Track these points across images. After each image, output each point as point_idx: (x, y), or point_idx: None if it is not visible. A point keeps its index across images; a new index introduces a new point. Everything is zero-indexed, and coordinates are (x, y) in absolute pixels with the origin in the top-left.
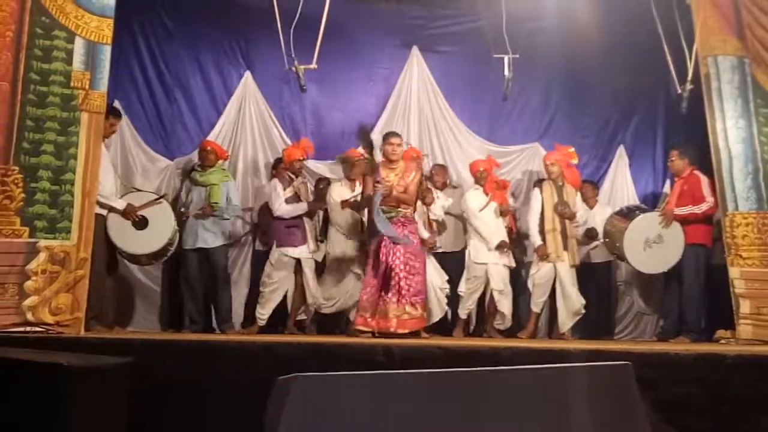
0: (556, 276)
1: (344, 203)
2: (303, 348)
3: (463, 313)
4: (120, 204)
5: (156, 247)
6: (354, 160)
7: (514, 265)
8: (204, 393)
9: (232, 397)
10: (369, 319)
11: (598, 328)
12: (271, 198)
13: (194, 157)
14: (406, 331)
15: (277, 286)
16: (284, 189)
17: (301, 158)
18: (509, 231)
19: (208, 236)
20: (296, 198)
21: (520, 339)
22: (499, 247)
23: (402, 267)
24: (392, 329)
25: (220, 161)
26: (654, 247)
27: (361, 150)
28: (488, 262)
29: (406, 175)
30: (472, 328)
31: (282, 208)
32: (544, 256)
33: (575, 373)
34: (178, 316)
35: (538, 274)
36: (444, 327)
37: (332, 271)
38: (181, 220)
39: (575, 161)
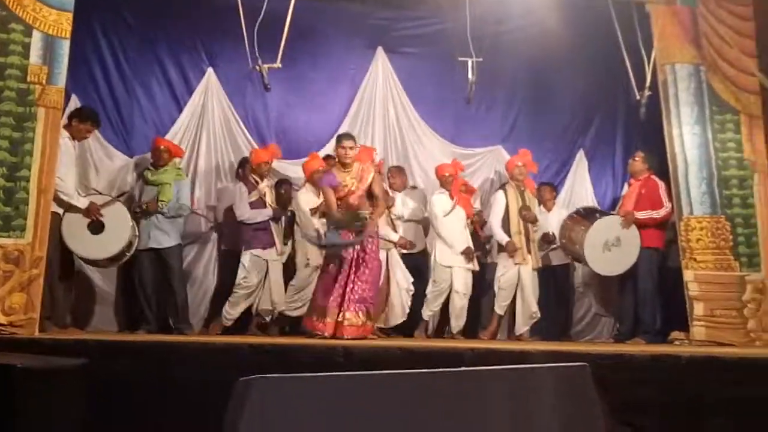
0: (519, 279)
1: (314, 210)
2: (263, 349)
3: (426, 315)
4: (82, 202)
5: (112, 251)
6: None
7: (477, 268)
8: (161, 394)
9: (190, 398)
10: (316, 322)
11: (556, 330)
12: (235, 201)
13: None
14: (348, 337)
15: (253, 288)
16: (249, 193)
17: (269, 162)
18: (474, 235)
19: (161, 236)
20: (261, 202)
21: (482, 340)
22: (465, 253)
23: (350, 272)
24: (329, 334)
25: (176, 159)
26: (612, 249)
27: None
28: (453, 266)
29: (364, 178)
30: (431, 329)
31: (246, 213)
32: (513, 252)
33: (534, 374)
34: (133, 317)
35: (504, 277)
36: (405, 328)
37: (298, 276)
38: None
39: (534, 170)
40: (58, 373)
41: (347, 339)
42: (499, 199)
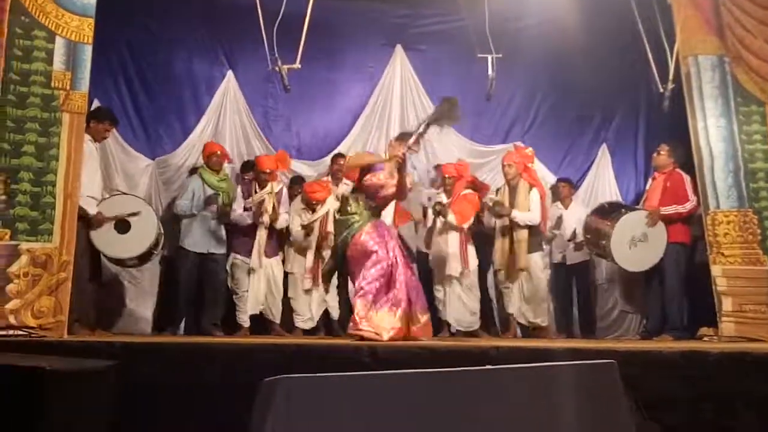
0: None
1: (305, 228)
2: (289, 350)
3: (444, 316)
4: (92, 210)
5: (138, 251)
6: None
7: (456, 273)
8: (189, 396)
9: (217, 399)
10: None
11: (580, 328)
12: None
13: (176, 155)
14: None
15: (247, 291)
16: (244, 197)
17: (273, 171)
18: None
19: (211, 242)
20: (256, 209)
21: (506, 338)
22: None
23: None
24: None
25: (225, 164)
26: (639, 245)
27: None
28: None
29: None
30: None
31: (234, 214)
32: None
33: (561, 372)
34: (164, 318)
35: (498, 278)
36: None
37: (292, 287)
38: (175, 220)
39: (532, 163)
40: (86, 375)
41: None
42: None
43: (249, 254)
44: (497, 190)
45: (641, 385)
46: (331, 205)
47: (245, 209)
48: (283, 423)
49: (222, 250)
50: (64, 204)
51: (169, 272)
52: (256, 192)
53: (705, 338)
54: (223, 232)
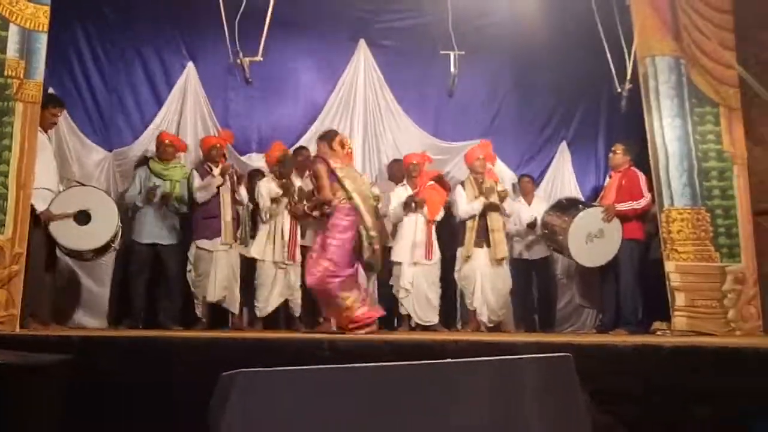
0: (476, 273)
1: (275, 200)
2: (247, 343)
3: (403, 310)
4: (40, 206)
5: (100, 243)
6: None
7: (430, 263)
8: (145, 390)
9: (175, 393)
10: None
11: (539, 321)
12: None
13: (134, 148)
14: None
15: (202, 281)
16: (202, 179)
17: (220, 146)
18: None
19: (163, 233)
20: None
21: (465, 332)
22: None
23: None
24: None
25: (179, 154)
26: (595, 241)
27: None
28: (402, 262)
29: None
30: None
31: (195, 195)
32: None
33: (517, 365)
34: (120, 312)
35: (461, 274)
36: (389, 322)
37: (261, 273)
38: (129, 212)
39: (494, 165)
40: (38, 369)
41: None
42: (459, 192)
43: (212, 237)
44: (462, 183)
45: (596, 378)
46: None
47: (201, 190)
48: (241, 417)
49: (174, 241)
50: (17, 195)
51: (124, 265)
52: (210, 171)
53: (658, 332)
54: (177, 222)
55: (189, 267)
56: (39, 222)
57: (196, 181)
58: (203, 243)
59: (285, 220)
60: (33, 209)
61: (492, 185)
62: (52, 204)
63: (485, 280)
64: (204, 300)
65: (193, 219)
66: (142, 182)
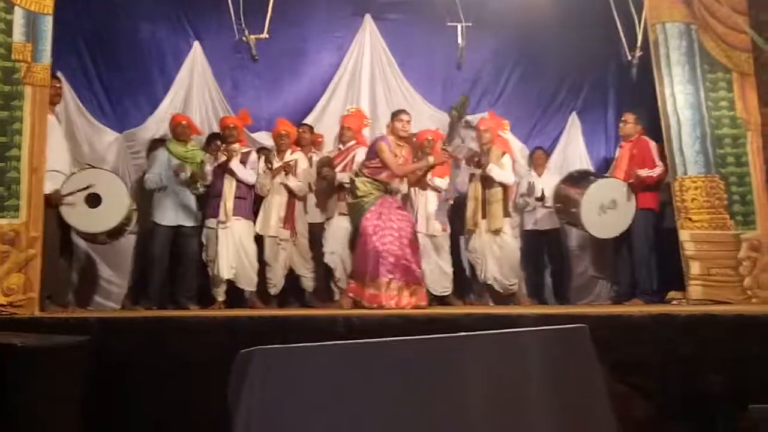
0: (485, 245)
1: (272, 172)
2: (263, 321)
3: None
4: (48, 188)
5: (111, 225)
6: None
7: (437, 234)
8: (163, 370)
9: (193, 372)
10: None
11: (553, 294)
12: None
13: (144, 129)
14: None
15: (213, 259)
16: (215, 159)
17: (236, 126)
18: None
19: (184, 214)
20: (220, 167)
21: (479, 305)
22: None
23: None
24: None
25: (194, 136)
26: (608, 212)
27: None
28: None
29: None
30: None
31: (207, 177)
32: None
33: (533, 337)
34: (138, 293)
35: (470, 246)
36: None
37: (267, 251)
38: (150, 194)
39: (505, 132)
40: (58, 351)
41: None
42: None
43: (217, 216)
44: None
45: (612, 348)
46: (300, 158)
47: (215, 171)
48: (259, 394)
49: (193, 222)
50: (30, 179)
51: (143, 247)
52: (218, 149)
53: (674, 302)
54: (194, 204)
55: (201, 247)
56: (49, 204)
57: (209, 161)
58: (211, 222)
59: (280, 196)
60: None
61: (497, 156)
62: (63, 187)
63: (490, 251)
64: (216, 278)
65: (206, 200)
66: (164, 165)
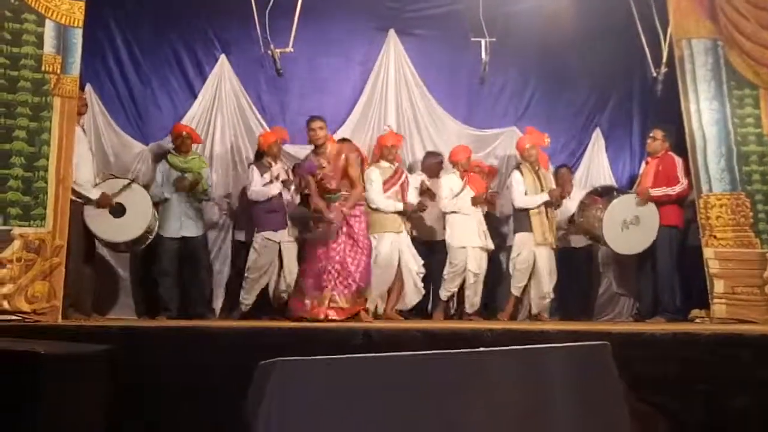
0: (535, 260)
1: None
2: (284, 333)
3: (444, 296)
4: (94, 194)
5: (135, 234)
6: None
7: (491, 247)
8: (184, 379)
9: (213, 383)
10: (302, 303)
11: (577, 310)
12: (248, 184)
13: (168, 141)
14: (337, 318)
15: (263, 271)
16: (261, 175)
17: (277, 142)
18: (489, 215)
19: (190, 224)
20: (275, 181)
21: (500, 321)
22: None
23: (338, 253)
24: (313, 316)
25: (194, 146)
26: (631, 228)
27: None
28: (467, 246)
29: (338, 159)
30: (452, 311)
31: (256, 191)
32: (562, 196)
33: (555, 353)
34: (153, 303)
35: (520, 258)
36: (424, 310)
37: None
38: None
39: (547, 144)
40: (81, 359)
41: (335, 320)
42: (517, 178)
43: (277, 229)
44: (519, 168)
45: (634, 366)
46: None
47: (266, 184)
48: (278, 405)
49: (199, 233)
50: (57, 188)
51: (154, 258)
52: (271, 166)
53: (697, 320)
54: (199, 214)
55: (254, 256)
56: (99, 207)
57: (256, 176)
58: (269, 234)
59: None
60: (76, 200)
61: (549, 177)
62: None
63: (543, 268)
64: (280, 290)
65: (255, 212)
66: (164, 176)
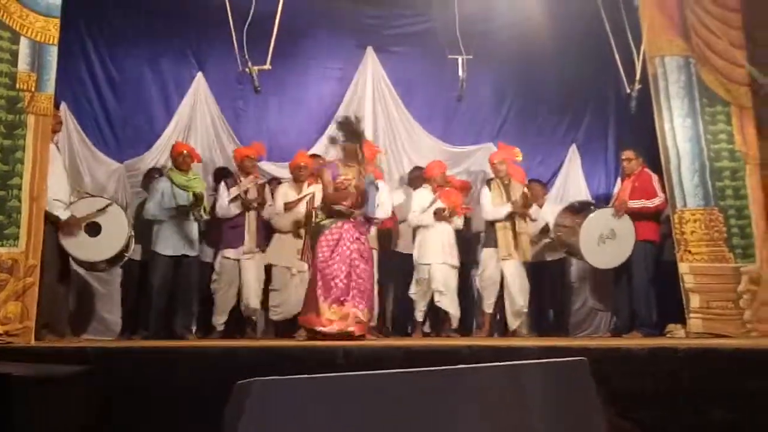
0: (503, 275)
1: (288, 205)
2: (261, 352)
3: (418, 315)
4: (64, 215)
5: (111, 254)
6: (301, 164)
7: (457, 264)
8: (162, 400)
9: (191, 403)
10: (317, 318)
11: (553, 326)
12: (216, 200)
13: (145, 159)
14: (357, 333)
15: (225, 290)
16: (228, 189)
17: (252, 156)
18: (460, 232)
19: (186, 244)
20: (243, 199)
21: (479, 338)
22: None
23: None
24: (333, 330)
25: (193, 164)
26: (607, 242)
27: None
28: (432, 263)
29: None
30: (427, 327)
31: (221, 208)
32: (525, 206)
33: (532, 370)
34: (135, 323)
35: (485, 275)
36: (403, 328)
37: (276, 279)
38: (143, 223)
39: (519, 159)
40: (54, 380)
41: (355, 337)
42: (485, 192)
43: (237, 246)
44: (488, 183)
45: (612, 382)
46: (318, 190)
47: (231, 200)
48: (256, 425)
49: (195, 252)
50: (30, 208)
51: (143, 276)
52: (239, 182)
53: (673, 334)
54: (196, 234)
55: (214, 277)
56: (62, 230)
57: (223, 193)
58: (228, 252)
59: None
60: (49, 220)
61: (519, 191)
62: (72, 213)
63: (513, 283)
64: (248, 308)
65: (222, 229)
66: (165, 194)
